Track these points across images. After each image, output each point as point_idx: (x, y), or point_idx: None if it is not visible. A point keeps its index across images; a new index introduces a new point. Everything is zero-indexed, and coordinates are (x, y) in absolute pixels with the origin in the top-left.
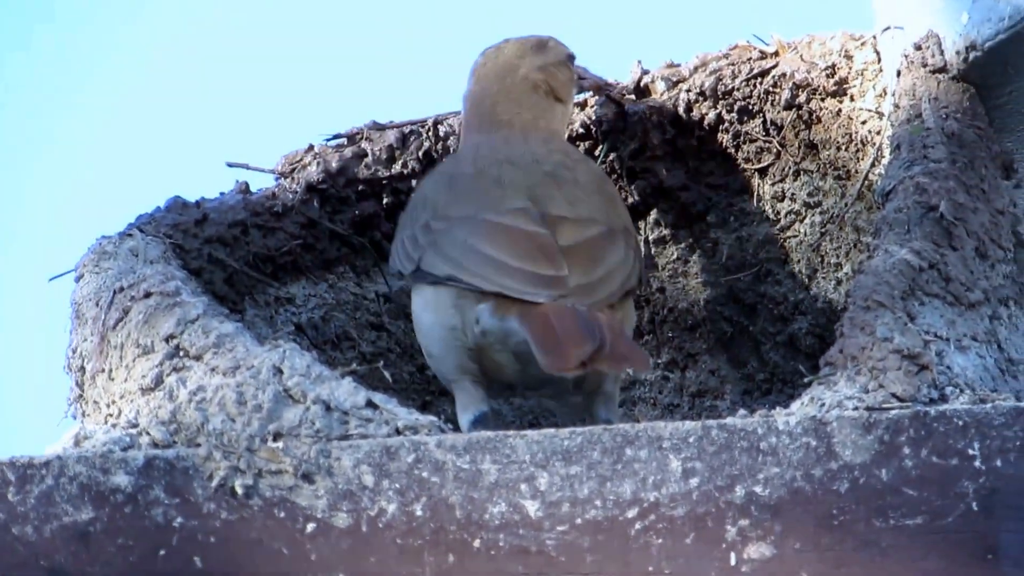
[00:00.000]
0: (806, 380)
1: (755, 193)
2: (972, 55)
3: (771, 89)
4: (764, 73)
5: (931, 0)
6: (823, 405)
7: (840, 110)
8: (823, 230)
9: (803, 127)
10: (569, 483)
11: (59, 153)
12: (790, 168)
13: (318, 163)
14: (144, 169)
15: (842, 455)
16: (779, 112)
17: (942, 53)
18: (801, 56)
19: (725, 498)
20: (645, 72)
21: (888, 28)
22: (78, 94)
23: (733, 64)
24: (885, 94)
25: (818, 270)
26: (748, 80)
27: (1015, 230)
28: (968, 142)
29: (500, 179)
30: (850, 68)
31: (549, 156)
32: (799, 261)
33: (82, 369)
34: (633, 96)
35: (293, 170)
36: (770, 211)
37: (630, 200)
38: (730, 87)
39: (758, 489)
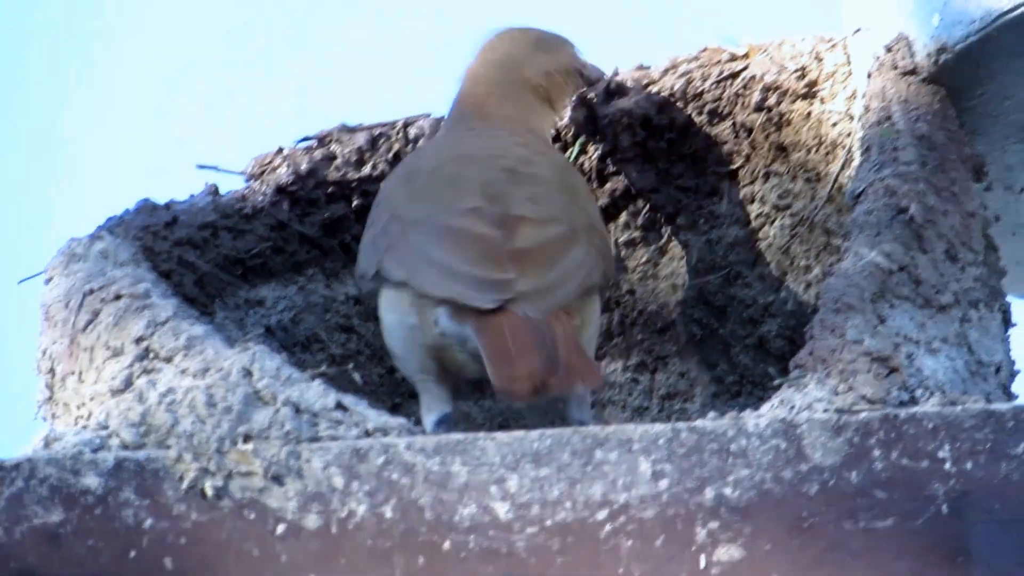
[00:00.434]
0: (776, 382)
1: (725, 196)
2: (943, 57)
3: (741, 91)
4: (734, 75)
5: (902, 2)
6: (793, 407)
7: (810, 112)
8: (793, 232)
9: (773, 129)
10: (539, 485)
11: (28, 155)
12: (760, 171)
13: (288, 165)
14: (114, 171)
15: (812, 457)
16: (749, 114)
17: (912, 55)
18: (771, 58)
19: (695, 500)
20: (615, 74)
21: (859, 30)
22: (46, 96)
23: (703, 66)
24: (855, 96)
25: (788, 272)
26: (718, 82)
27: (985, 233)
28: (938, 144)
29: (455, 177)
30: (820, 70)
31: (510, 150)
32: (769, 263)
33: (52, 371)
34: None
35: (263, 172)
36: (740, 213)
37: (600, 202)
38: (700, 89)
39: (728, 491)
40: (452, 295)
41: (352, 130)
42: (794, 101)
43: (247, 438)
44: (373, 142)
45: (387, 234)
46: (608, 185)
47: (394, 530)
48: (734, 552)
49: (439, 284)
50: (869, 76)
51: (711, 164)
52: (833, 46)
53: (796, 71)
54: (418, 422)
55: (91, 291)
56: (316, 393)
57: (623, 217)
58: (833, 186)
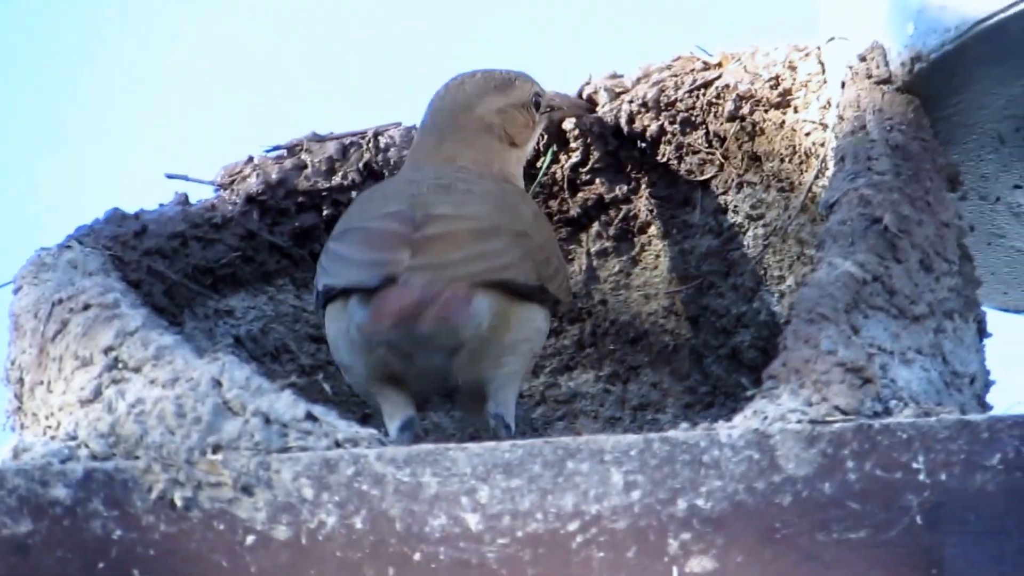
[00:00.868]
0: (749, 393)
1: (698, 205)
2: (917, 66)
3: (714, 100)
4: (707, 84)
5: (876, 11)
6: (766, 418)
7: (784, 121)
8: (766, 242)
9: (746, 139)
10: (510, 496)
11: None
12: (733, 180)
13: (258, 175)
14: (83, 181)
15: (785, 468)
16: (722, 124)
17: (887, 64)
18: (744, 67)
19: (667, 511)
20: (587, 83)
21: (833, 39)
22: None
23: (676, 75)
24: (829, 105)
25: (761, 283)
26: (691, 91)
27: (960, 243)
28: (913, 154)
29: (387, 194)
30: (794, 79)
31: (452, 174)
32: (742, 274)
33: (21, 381)
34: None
35: (233, 182)
36: (713, 223)
37: (572, 212)
38: (673, 98)
39: (700, 502)
40: (348, 282)
41: (322, 139)
42: (768, 110)
43: (216, 448)
44: (344, 151)
45: (323, 253)
46: (580, 195)
47: (364, 541)
48: (706, 563)
49: (341, 275)
50: (843, 85)
51: (684, 174)
52: (807, 55)
53: (770, 80)
54: (388, 432)
55: (60, 301)
56: (286, 403)
57: (595, 227)
58: (807, 196)
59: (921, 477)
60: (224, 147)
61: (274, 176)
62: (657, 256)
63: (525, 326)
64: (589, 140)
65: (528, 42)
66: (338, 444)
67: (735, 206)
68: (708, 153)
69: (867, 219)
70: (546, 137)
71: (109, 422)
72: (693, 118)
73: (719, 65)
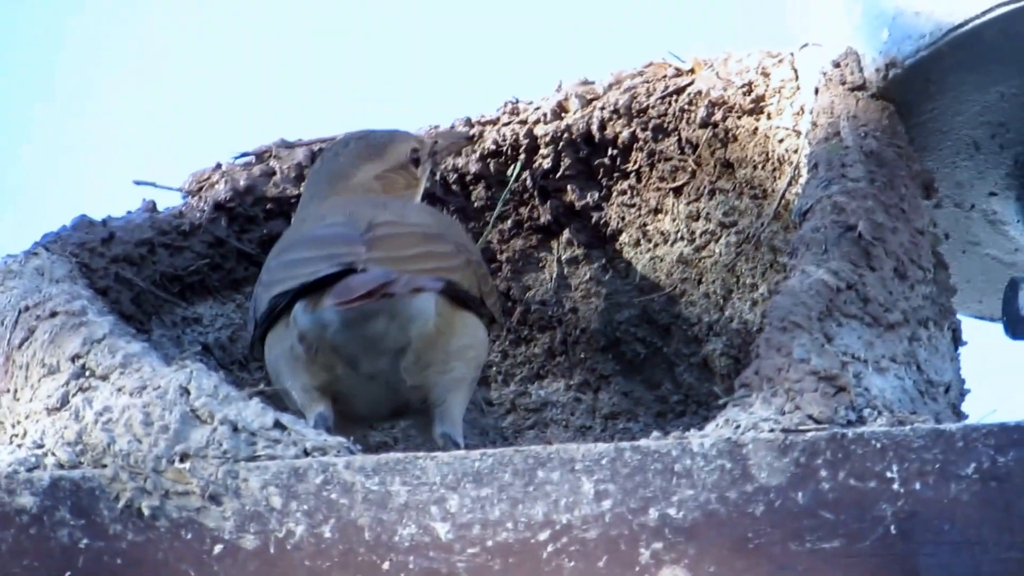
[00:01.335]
0: (721, 402)
1: (669, 212)
2: (892, 72)
3: (686, 107)
4: (679, 91)
5: (850, 17)
6: (738, 427)
7: (757, 128)
8: (739, 250)
9: (719, 145)
10: (480, 505)
11: None
12: (705, 187)
13: (226, 181)
14: (50, 187)
15: (758, 477)
16: (694, 130)
17: (861, 70)
18: (717, 73)
19: (638, 520)
20: (557, 89)
21: (806, 45)
22: None
23: (648, 82)
24: (803, 112)
25: (733, 291)
26: (663, 98)
27: (935, 250)
28: (887, 161)
29: (322, 214)
30: (767, 85)
31: (382, 197)
32: (714, 282)
33: None
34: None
35: (201, 188)
36: (685, 231)
37: (543, 219)
38: (645, 105)
39: (672, 512)
40: (303, 279)
41: (291, 146)
42: (740, 117)
43: (184, 457)
44: (312, 158)
45: (262, 276)
46: (551, 202)
47: (333, 550)
48: (679, 573)
49: (294, 277)
50: (817, 91)
51: (656, 181)
52: (780, 61)
53: (742, 86)
54: (356, 441)
55: (26, 308)
56: (254, 412)
57: (566, 234)
58: (780, 203)
59: (895, 486)
60: (192, 153)
61: (242, 183)
62: (628, 264)
63: (469, 332)
64: (560, 147)
65: (499, 49)
66: (307, 453)
67: (707, 213)
68: (680, 160)
69: (841, 226)
70: (516, 144)
71: (76, 430)
72: (665, 125)
73: (691, 71)
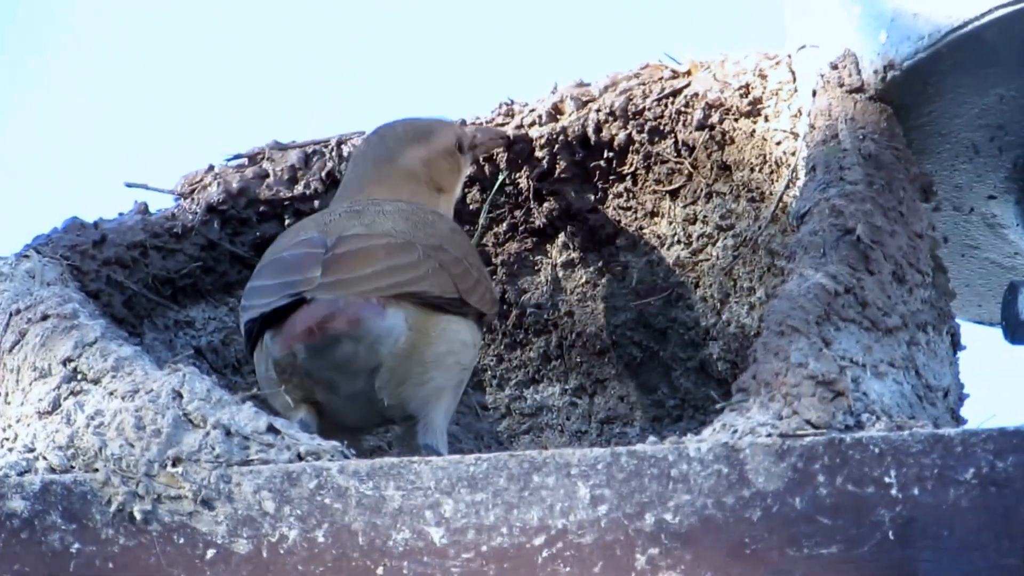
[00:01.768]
0: (718, 406)
1: (666, 216)
2: (890, 74)
3: (683, 109)
4: (676, 93)
5: (848, 18)
6: (735, 432)
7: (754, 130)
8: (736, 253)
9: (716, 148)
10: (475, 510)
11: None
12: (702, 190)
13: (219, 184)
14: (41, 189)
15: (755, 482)
16: (691, 132)
17: (859, 72)
18: (714, 75)
19: (634, 526)
20: (553, 91)
21: (804, 47)
22: None
23: (644, 84)
24: (800, 114)
25: (731, 294)
26: (659, 100)
27: (934, 254)
28: (886, 164)
29: (302, 226)
30: (764, 87)
31: (367, 201)
32: (711, 285)
33: None
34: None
35: (193, 191)
36: (681, 234)
37: (538, 222)
38: (641, 107)
39: (668, 517)
40: (262, 309)
41: (284, 147)
42: (737, 119)
43: (176, 461)
44: (306, 160)
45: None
46: (546, 205)
47: (326, 555)
48: None
49: (255, 307)
50: (814, 94)
51: (652, 183)
52: (777, 63)
53: (739, 88)
54: (350, 445)
55: (18, 311)
56: (247, 416)
57: (561, 238)
58: (777, 206)
59: (893, 492)
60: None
61: (235, 185)
62: (624, 267)
63: (448, 338)
64: (555, 149)
65: (494, 50)
66: (300, 457)
67: (704, 216)
68: (677, 163)
69: (839, 230)
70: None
71: (67, 434)
72: (661, 127)
73: (688, 73)
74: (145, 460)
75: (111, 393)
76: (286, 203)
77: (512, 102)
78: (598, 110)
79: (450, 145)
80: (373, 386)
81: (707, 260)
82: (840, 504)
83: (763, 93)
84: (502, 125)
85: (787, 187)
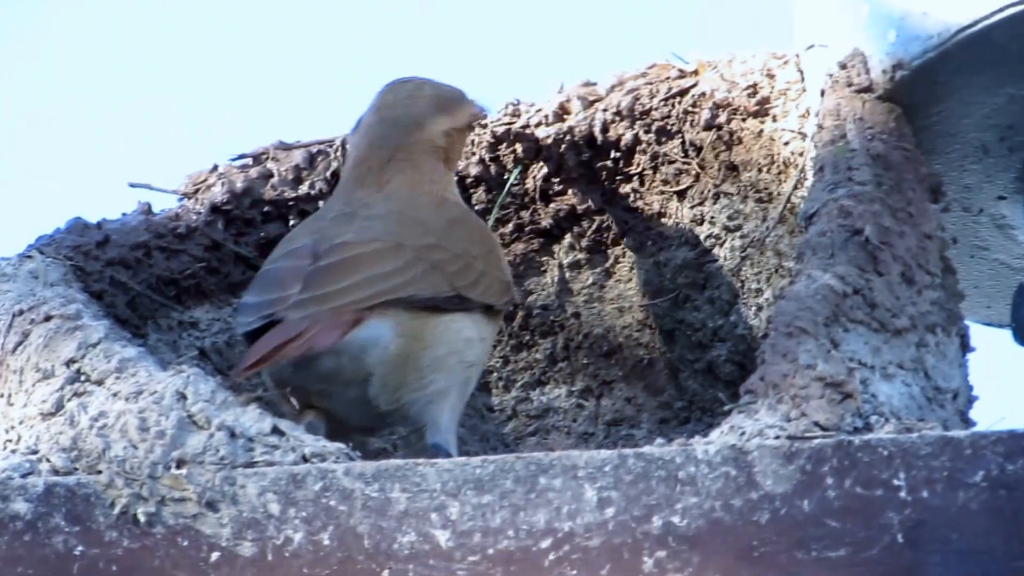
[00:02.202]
0: (726, 408)
1: (673, 216)
2: (899, 74)
3: (690, 109)
4: (683, 92)
5: (856, 17)
6: (743, 434)
7: (762, 131)
8: (744, 254)
9: (723, 148)
10: (481, 512)
11: None
12: (709, 191)
13: (223, 184)
14: (44, 189)
15: (763, 485)
16: (698, 133)
17: (868, 72)
18: (721, 75)
19: (642, 528)
20: (559, 91)
21: (812, 46)
22: None
23: (651, 83)
24: (808, 114)
25: (738, 296)
26: (666, 100)
27: (943, 255)
28: (895, 164)
29: (292, 236)
30: (772, 87)
31: (359, 203)
32: (718, 286)
33: None
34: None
35: (197, 191)
36: (689, 235)
37: (544, 223)
38: (648, 107)
39: (676, 519)
40: (244, 328)
41: (289, 147)
42: (745, 119)
43: (180, 463)
44: (311, 160)
45: None
46: (552, 206)
47: (331, 558)
48: None
49: (241, 323)
50: (823, 93)
51: (659, 184)
52: (785, 63)
53: (747, 88)
54: (356, 447)
55: (20, 312)
56: (251, 417)
57: (568, 239)
58: (785, 207)
59: (902, 494)
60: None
61: (239, 185)
62: (631, 268)
63: (447, 339)
64: (562, 149)
65: (499, 49)
66: (305, 459)
67: (712, 217)
68: (684, 163)
69: (847, 231)
70: (516, 146)
71: (71, 436)
72: (669, 127)
73: (695, 73)
74: (149, 462)
75: (115, 394)
76: (291, 203)
77: (518, 102)
78: (605, 110)
79: (469, 121)
80: (367, 394)
81: (714, 261)
82: (849, 507)
83: (771, 93)
84: (508, 125)
85: (795, 188)
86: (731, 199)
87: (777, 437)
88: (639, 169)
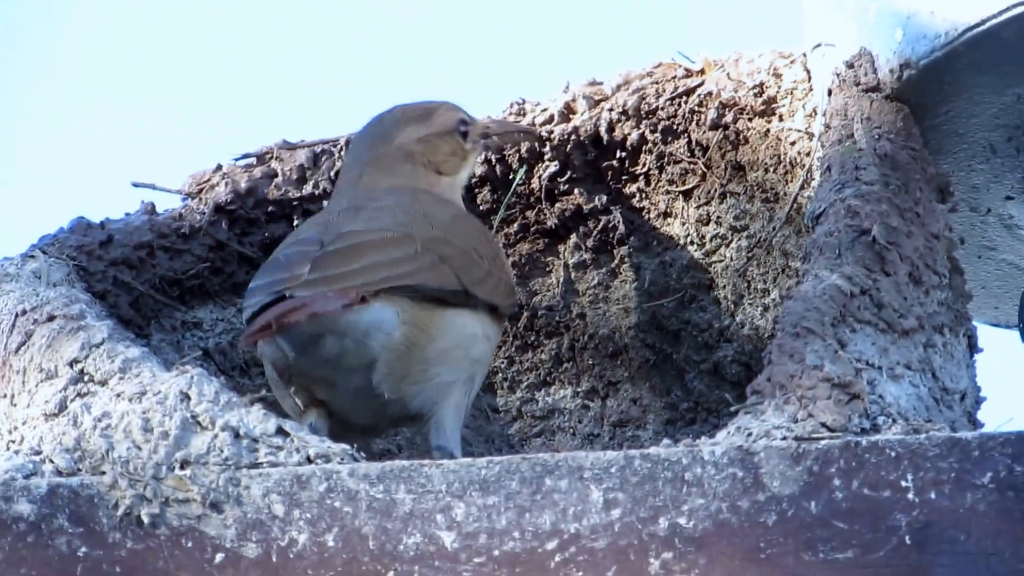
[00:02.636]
0: (732, 409)
1: (679, 216)
2: (906, 73)
3: (696, 108)
4: (689, 92)
5: (863, 16)
6: (750, 435)
7: (768, 130)
8: (750, 255)
9: (730, 148)
10: (486, 514)
11: None
12: (716, 190)
13: (227, 183)
14: (47, 189)
15: (770, 486)
16: (705, 132)
17: (875, 71)
18: (728, 74)
19: (648, 530)
20: (564, 90)
21: (819, 45)
22: None
23: (657, 82)
24: (815, 114)
25: (744, 296)
26: (672, 99)
27: (950, 255)
28: (902, 164)
29: (305, 227)
30: (779, 87)
31: (366, 196)
32: (725, 287)
33: None
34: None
35: (201, 190)
36: (695, 235)
37: (549, 223)
38: (654, 106)
39: (682, 521)
40: (252, 308)
41: (293, 147)
42: (752, 119)
43: (184, 464)
44: (315, 159)
45: None
46: (558, 206)
47: (336, 559)
48: None
49: (248, 306)
50: (830, 93)
51: (665, 184)
52: (792, 62)
53: (754, 88)
54: (360, 448)
55: (23, 312)
56: (256, 418)
57: (573, 238)
58: (792, 207)
59: (910, 496)
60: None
61: (243, 185)
62: (637, 268)
63: (453, 333)
64: (568, 149)
65: (505, 48)
66: (309, 460)
67: (718, 217)
68: (690, 162)
69: (854, 230)
70: (521, 147)
71: (74, 436)
72: (675, 126)
73: (701, 72)
74: (153, 463)
75: (118, 395)
76: (295, 203)
77: (524, 101)
78: (611, 109)
79: (450, 126)
80: (371, 382)
81: (721, 261)
82: (856, 508)
83: (778, 92)
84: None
85: (802, 187)
86: (737, 199)
87: (784, 438)
88: (645, 169)
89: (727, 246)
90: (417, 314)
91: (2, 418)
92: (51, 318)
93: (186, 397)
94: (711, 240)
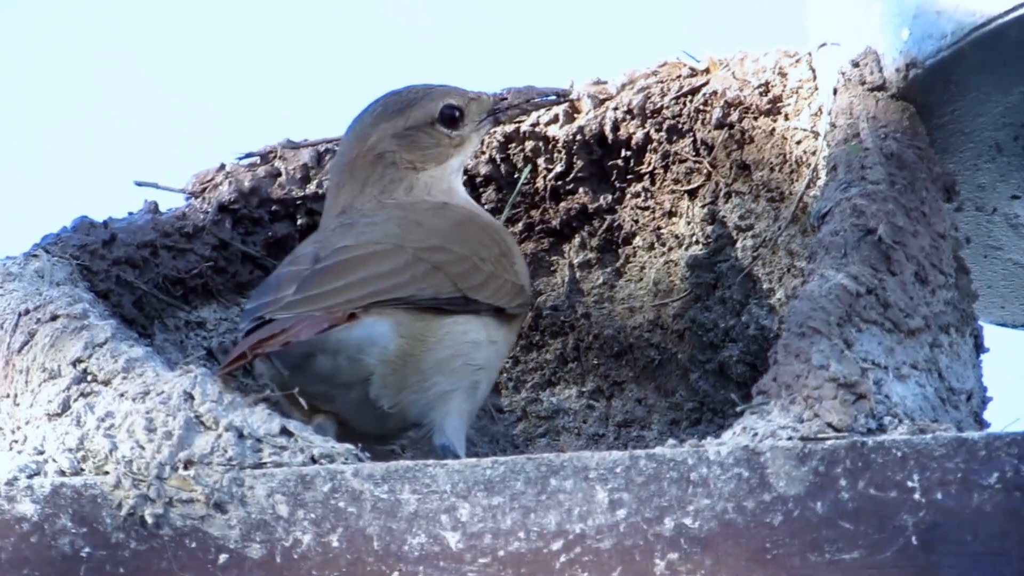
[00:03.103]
0: (738, 409)
1: (684, 216)
2: (912, 72)
3: (701, 107)
4: (694, 91)
5: (869, 15)
6: (756, 435)
7: (774, 129)
8: (755, 254)
9: (735, 147)
10: (491, 514)
11: None
12: (721, 190)
13: (230, 182)
14: (50, 188)
15: (776, 486)
16: (710, 131)
17: (881, 70)
18: (733, 73)
19: (654, 530)
20: (570, 89)
21: (824, 44)
22: None
23: (662, 81)
24: (821, 113)
25: (750, 296)
26: (677, 98)
27: (956, 255)
28: (908, 163)
29: (301, 245)
30: (784, 86)
31: (357, 212)
32: (730, 286)
33: None
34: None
35: (204, 190)
36: (700, 234)
37: (554, 223)
38: (659, 105)
39: (688, 521)
40: (239, 333)
41: (296, 146)
42: (757, 118)
43: (188, 464)
44: (319, 158)
45: None
46: (563, 205)
47: (341, 560)
48: None
49: (239, 329)
50: (835, 92)
51: (670, 183)
52: (797, 61)
53: (759, 87)
54: (365, 448)
55: (27, 311)
56: (260, 418)
57: (578, 238)
58: (797, 206)
59: (916, 496)
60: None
61: (247, 184)
62: (642, 268)
63: (451, 341)
64: (572, 148)
65: (509, 47)
66: (314, 460)
67: (723, 216)
68: (695, 162)
69: (860, 230)
70: (526, 145)
71: (77, 436)
72: (680, 126)
73: (707, 71)
74: (156, 463)
75: (122, 395)
76: (298, 202)
77: None
78: (615, 108)
79: (429, 116)
80: (368, 395)
81: (726, 261)
82: (862, 508)
83: (783, 91)
84: (518, 123)
85: (807, 187)
86: (743, 198)
87: (790, 438)
88: (650, 168)
89: (732, 246)
90: (414, 325)
91: (5, 418)
92: (54, 317)
93: (190, 397)
94: (716, 240)
